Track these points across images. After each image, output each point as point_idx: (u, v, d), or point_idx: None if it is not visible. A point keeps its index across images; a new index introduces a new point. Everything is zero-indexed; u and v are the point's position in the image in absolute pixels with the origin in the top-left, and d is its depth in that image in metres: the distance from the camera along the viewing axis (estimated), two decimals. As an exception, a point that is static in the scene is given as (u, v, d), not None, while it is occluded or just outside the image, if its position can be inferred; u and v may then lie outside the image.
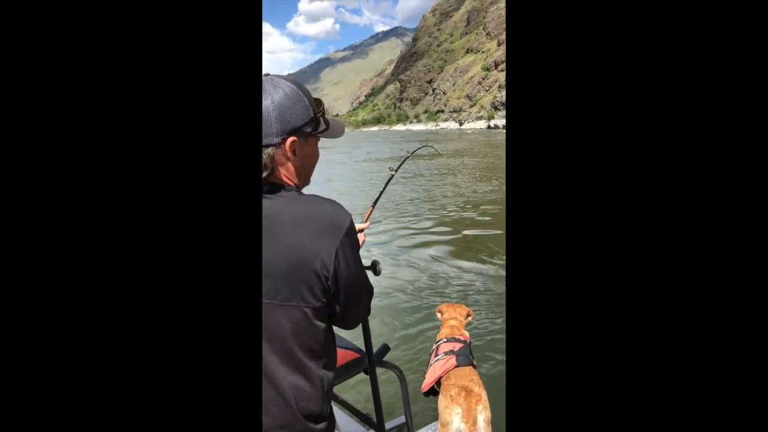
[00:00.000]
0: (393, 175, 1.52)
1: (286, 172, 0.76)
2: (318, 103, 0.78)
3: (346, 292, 0.75)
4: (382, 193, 1.50)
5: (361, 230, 1.22)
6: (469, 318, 1.89)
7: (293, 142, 0.74)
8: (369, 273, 1.17)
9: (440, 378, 1.49)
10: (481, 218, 6.49)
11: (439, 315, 1.91)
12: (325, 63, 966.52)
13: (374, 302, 3.51)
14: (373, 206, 1.46)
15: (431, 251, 4.98)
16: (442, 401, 1.39)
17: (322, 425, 0.77)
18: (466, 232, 5.78)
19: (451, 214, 6.97)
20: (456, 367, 1.48)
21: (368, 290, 0.85)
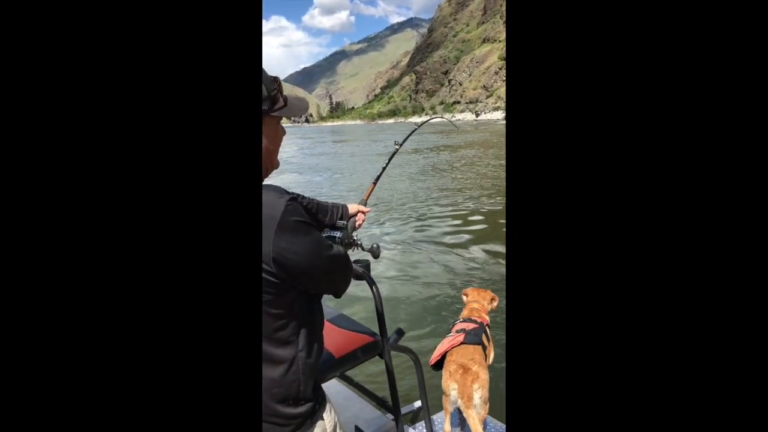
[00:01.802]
0: (397, 150, 1.50)
1: None
2: (274, 80, 0.76)
3: (305, 276, 0.73)
4: (384, 169, 1.45)
5: (360, 211, 1.19)
6: (494, 303, 1.89)
7: None
8: (368, 256, 1.20)
9: (446, 352, 1.54)
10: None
11: (464, 297, 1.93)
12: (341, 56, 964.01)
13: (396, 288, 3.66)
14: (374, 184, 1.41)
15: (459, 239, 4.97)
16: (443, 375, 1.48)
17: (303, 407, 0.76)
18: (497, 220, 5.76)
19: (482, 203, 6.93)
20: (462, 344, 1.51)
21: (334, 262, 0.78)
